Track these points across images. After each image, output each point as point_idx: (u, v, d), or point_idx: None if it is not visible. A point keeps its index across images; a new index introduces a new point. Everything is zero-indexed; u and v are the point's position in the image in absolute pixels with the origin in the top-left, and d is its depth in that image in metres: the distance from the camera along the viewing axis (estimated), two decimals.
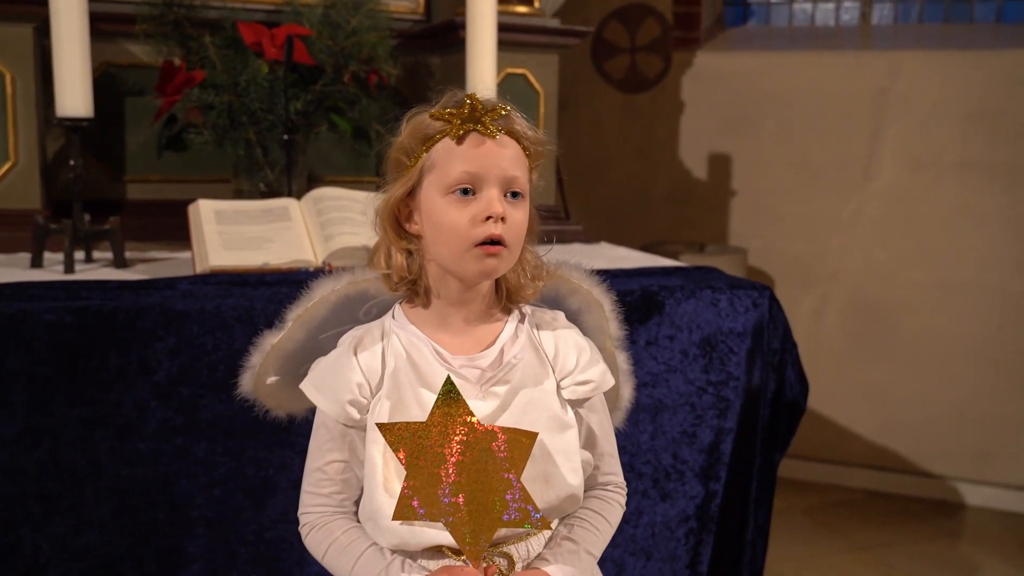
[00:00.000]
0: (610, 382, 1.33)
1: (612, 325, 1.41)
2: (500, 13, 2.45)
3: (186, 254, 2.27)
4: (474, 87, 2.36)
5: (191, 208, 2.12)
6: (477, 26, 2.36)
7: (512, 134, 1.22)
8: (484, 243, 1.18)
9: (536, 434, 1.18)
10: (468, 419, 1.17)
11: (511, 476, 1.16)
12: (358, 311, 1.33)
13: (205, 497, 1.77)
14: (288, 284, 1.88)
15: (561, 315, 1.35)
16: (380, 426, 1.18)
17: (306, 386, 1.28)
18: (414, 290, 1.27)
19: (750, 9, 4.50)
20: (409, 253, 1.25)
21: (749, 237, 4.17)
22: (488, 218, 1.17)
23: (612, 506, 1.35)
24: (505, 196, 1.20)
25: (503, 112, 1.21)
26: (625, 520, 2.09)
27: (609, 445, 1.36)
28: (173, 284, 1.86)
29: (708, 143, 4.22)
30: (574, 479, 1.24)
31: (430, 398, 1.19)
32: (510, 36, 2.69)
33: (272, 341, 1.32)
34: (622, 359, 1.43)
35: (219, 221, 2.06)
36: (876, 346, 4.08)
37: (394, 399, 1.22)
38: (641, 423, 2.07)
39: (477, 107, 1.19)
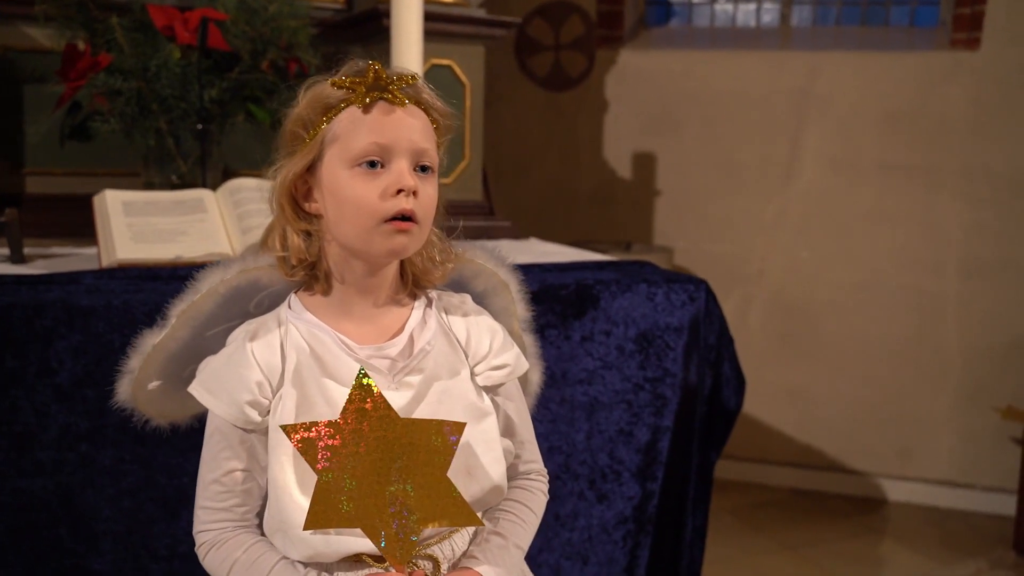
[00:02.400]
0: (525, 366, 1.26)
1: (519, 307, 1.34)
2: (425, 2, 2.35)
3: (91, 250, 2.12)
4: None
5: (96, 199, 1.97)
6: (403, 14, 2.26)
7: (420, 104, 1.13)
8: (394, 219, 1.09)
9: (463, 424, 1.09)
10: (385, 413, 1.07)
11: (436, 469, 1.07)
12: (248, 303, 1.21)
13: (112, 509, 1.63)
14: None
15: (468, 298, 1.27)
16: (286, 428, 1.07)
17: (196, 389, 1.15)
18: (313, 275, 1.17)
19: (672, 9, 4.50)
20: (307, 235, 1.15)
21: (674, 237, 4.15)
22: (399, 192, 1.09)
23: (536, 495, 1.27)
24: (414, 170, 1.11)
25: (410, 81, 1.12)
26: (561, 523, 2.02)
27: (527, 432, 1.28)
28: (77, 279, 1.71)
29: (632, 142, 4.19)
30: (497, 469, 1.16)
31: (338, 391, 1.10)
32: (435, 26, 2.60)
33: (153, 341, 1.19)
34: (530, 341, 1.36)
35: (128, 213, 1.92)
36: (799, 346, 4.10)
37: (298, 396, 1.11)
38: (577, 422, 2.00)
39: (382, 75, 1.10)
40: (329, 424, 1.07)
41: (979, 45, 3.76)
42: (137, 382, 1.22)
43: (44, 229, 2.33)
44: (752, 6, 4.40)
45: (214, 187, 2.21)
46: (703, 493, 2.17)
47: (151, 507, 1.66)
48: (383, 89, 1.10)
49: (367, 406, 1.07)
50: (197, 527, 1.18)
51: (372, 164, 1.09)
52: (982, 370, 3.86)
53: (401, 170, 1.09)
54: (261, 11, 2.43)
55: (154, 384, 1.23)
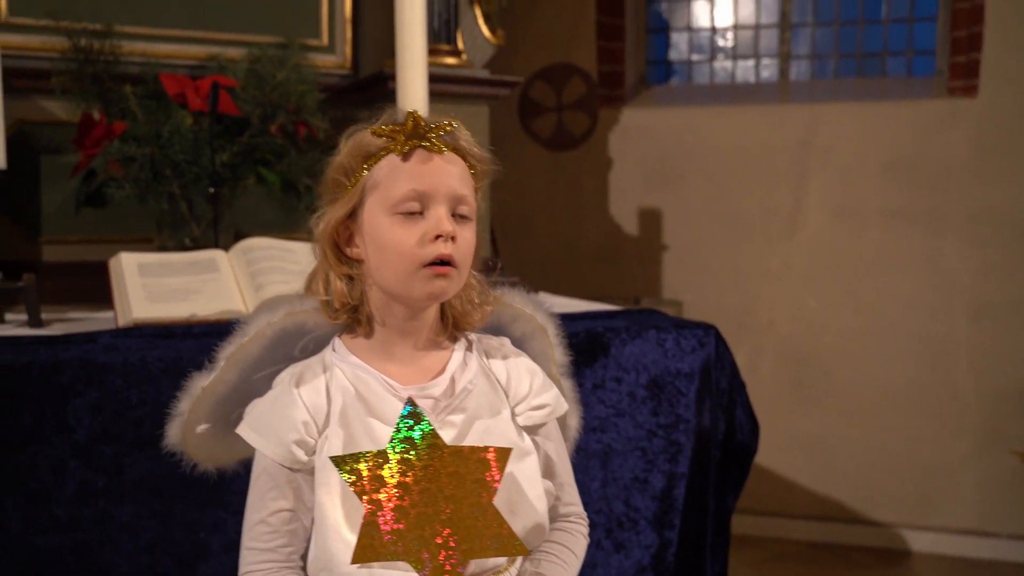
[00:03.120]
0: (564, 406, 1.27)
1: (557, 351, 1.35)
2: (429, 64, 2.42)
3: (107, 314, 2.15)
4: None
5: (112, 261, 2.01)
6: (408, 77, 2.31)
7: (458, 151, 1.16)
8: (433, 263, 1.11)
9: (509, 449, 1.10)
10: (431, 441, 1.09)
11: (482, 499, 1.08)
12: (294, 348, 1.24)
13: (130, 565, 1.63)
14: (217, 335, 1.75)
15: (507, 341, 1.29)
16: (335, 459, 1.09)
17: (244, 430, 1.17)
18: (356, 318, 1.19)
19: (672, 68, 4.58)
20: (350, 279, 1.17)
21: (681, 290, 4.17)
22: (437, 237, 1.11)
23: (576, 538, 1.27)
24: (453, 215, 1.14)
25: (448, 128, 1.16)
26: (579, 574, 2.01)
27: (567, 474, 1.29)
28: (93, 338, 1.74)
29: (636, 198, 4.24)
30: (539, 508, 1.17)
31: (384, 430, 1.12)
32: (440, 87, 2.66)
33: (202, 384, 1.22)
34: (568, 386, 1.36)
35: (142, 274, 1.96)
36: (811, 395, 4.09)
37: (344, 436, 1.13)
38: (591, 470, 2.00)
39: (420, 123, 1.14)
40: (377, 454, 1.09)
41: (977, 92, 3.81)
42: (186, 425, 1.24)
43: (60, 296, 2.36)
44: (750, 63, 4.48)
45: (227, 248, 2.25)
46: (721, 539, 2.15)
47: (168, 562, 1.66)
48: (421, 137, 1.13)
49: (414, 435, 1.08)
50: (243, 568, 1.18)
51: (411, 211, 1.12)
52: (999, 414, 3.84)
53: (439, 216, 1.12)
54: (269, 78, 2.50)
55: (203, 427, 1.24)
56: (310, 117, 2.48)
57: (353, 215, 1.16)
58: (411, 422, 1.09)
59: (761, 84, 4.45)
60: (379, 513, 1.07)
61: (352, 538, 1.08)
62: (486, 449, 1.11)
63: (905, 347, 3.96)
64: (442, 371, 1.20)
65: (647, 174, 4.22)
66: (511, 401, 1.21)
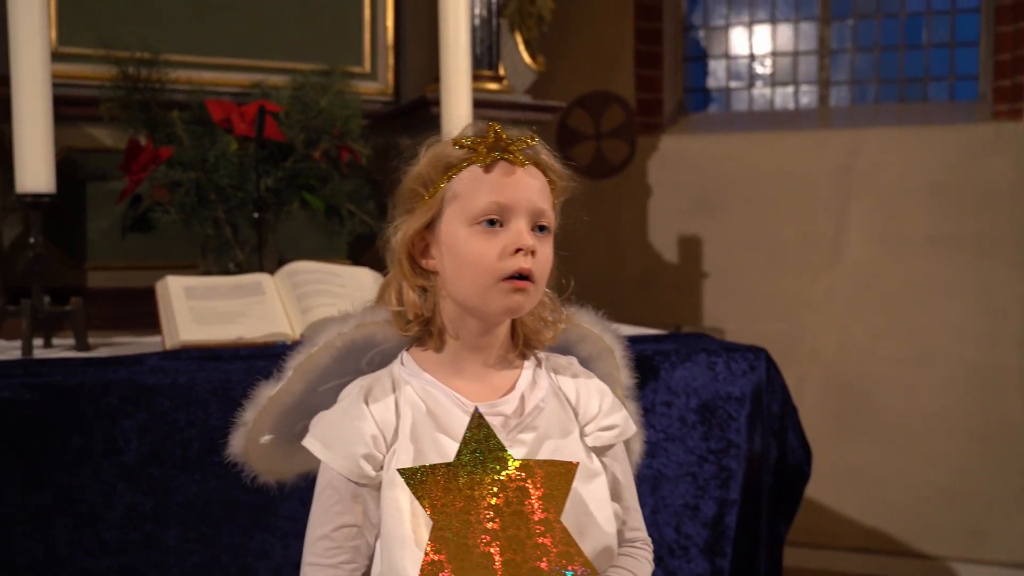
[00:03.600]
0: (632, 428, 1.24)
1: (623, 373, 1.33)
2: (472, 89, 2.42)
3: (153, 338, 2.15)
4: None
5: (159, 285, 2.01)
6: (452, 100, 2.32)
7: (539, 165, 1.15)
8: (512, 277, 1.09)
9: (576, 464, 1.08)
10: (499, 454, 1.06)
11: (550, 515, 1.05)
12: (361, 360, 1.21)
13: None
14: (264, 358, 1.76)
15: (575, 361, 1.26)
16: (403, 472, 1.07)
17: (310, 442, 1.15)
18: (427, 331, 1.17)
19: (710, 95, 4.56)
20: (423, 290, 1.16)
21: (723, 319, 4.12)
22: (517, 251, 1.09)
23: (642, 564, 1.23)
24: (532, 230, 1.12)
25: (530, 142, 1.14)
26: None
27: (633, 498, 1.26)
28: (141, 360, 1.73)
29: (676, 226, 4.21)
30: (608, 531, 1.14)
31: (453, 447, 1.09)
32: (482, 112, 2.65)
33: (269, 394, 1.20)
34: (633, 409, 1.33)
35: (189, 297, 1.95)
36: (857, 425, 4.01)
37: (413, 451, 1.11)
38: (641, 496, 1.92)
39: (502, 136, 1.13)
40: (445, 467, 1.07)
41: (1021, 115, 3.75)
42: (251, 435, 1.22)
43: (105, 322, 2.37)
44: (789, 89, 4.46)
45: (270, 274, 2.24)
46: (774, 569, 2.09)
47: None
48: (504, 149, 1.12)
49: (482, 448, 1.06)
50: None
51: (491, 223, 1.10)
52: None
53: (520, 229, 1.10)
54: (313, 104, 2.51)
55: (266, 438, 1.22)
56: (353, 142, 2.48)
57: (430, 226, 1.14)
58: (480, 435, 1.06)
59: (800, 110, 4.42)
60: (446, 527, 1.05)
61: (419, 554, 1.05)
62: (555, 462, 1.09)
63: (953, 375, 3.88)
64: (512, 388, 1.18)
65: (686, 202, 4.19)
66: (580, 421, 1.19)
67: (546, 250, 1.14)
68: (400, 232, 1.15)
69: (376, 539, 1.13)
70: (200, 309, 1.93)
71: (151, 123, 2.38)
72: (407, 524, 1.07)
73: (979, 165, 3.81)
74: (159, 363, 1.72)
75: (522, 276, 1.10)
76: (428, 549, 1.04)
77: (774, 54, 4.48)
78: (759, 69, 4.52)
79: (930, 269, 3.90)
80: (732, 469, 2.02)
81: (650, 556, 1.25)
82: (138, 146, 2.30)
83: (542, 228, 1.14)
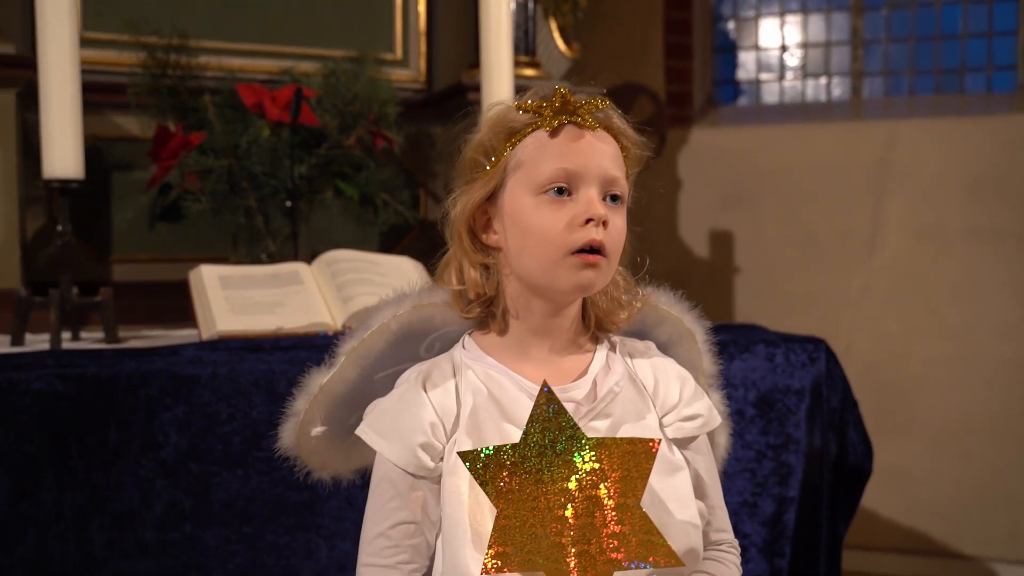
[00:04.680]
0: (717, 419, 1.13)
1: (705, 360, 1.23)
2: None
3: (183, 331, 2.07)
4: None
5: (192, 274, 1.93)
6: (493, 86, 2.23)
7: (611, 130, 1.05)
8: (582, 251, 1.00)
9: (659, 441, 0.98)
10: (572, 432, 0.97)
11: (628, 501, 0.95)
12: (419, 345, 1.13)
13: None
14: (307, 348, 1.68)
15: (653, 346, 1.16)
16: (464, 455, 0.97)
17: (364, 431, 1.06)
18: (490, 313, 1.08)
19: (739, 88, 4.47)
20: (485, 268, 1.06)
21: (755, 315, 4.01)
22: (588, 221, 1.00)
23: (729, 568, 1.13)
24: (603, 199, 1.02)
25: (600, 105, 1.04)
26: None
27: (718, 496, 1.14)
28: (178, 351, 1.65)
29: (708, 220, 4.10)
30: (692, 531, 1.03)
31: (516, 435, 1.00)
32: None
33: (320, 382, 1.11)
34: (718, 399, 1.22)
35: (224, 287, 1.87)
36: (894, 424, 3.90)
37: (475, 440, 1.01)
38: None
39: (569, 99, 1.03)
40: (511, 447, 0.97)
41: None
42: (301, 427, 1.13)
43: (131, 316, 2.28)
44: (821, 81, 4.36)
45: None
46: (834, 570, 2.00)
47: None
48: (571, 113, 1.02)
49: (552, 427, 0.96)
50: None
51: (559, 191, 1.01)
52: None
53: (590, 198, 1.00)
54: (345, 91, 2.42)
55: (318, 430, 1.14)
56: (387, 129, 2.40)
57: (493, 197, 1.05)
58: (549, 412, 0.97)
59: (833, 102, 4.31)
60: (513, 515, 0.95)
61: (482, 548, 0.96)
62: (635, 440, 0.98)
63: (993, 373, 3.77)
64: (584, 373, 1.08)
65: (717, 196, 4.09)
66: (659, 410, 1.09)
67: (619, 222, 1.04)
68: (460, 205, 1.06)
69: (437, 537, 1.04)
70: (236, 299, 1.85)
71: (180, 109, 2.30)
72: (464, 518, 0.98)
73: (1020, 158, 3.70)
74: (197, 354, 1.63)
75: (593, 250, 1.00)
76: (492, 541, 0.94)
77: (805, 45, 4.38)
78: (790, 61, 4.42)
79: (969, 265, 3.79)
80: (791, 465, 1.93)
81: (738, 560, 1.15)
82: (168, 132, 2.22)
83: (614, 198, 1.04)
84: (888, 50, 4.27)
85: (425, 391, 1.05)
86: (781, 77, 4.42)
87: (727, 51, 4.44)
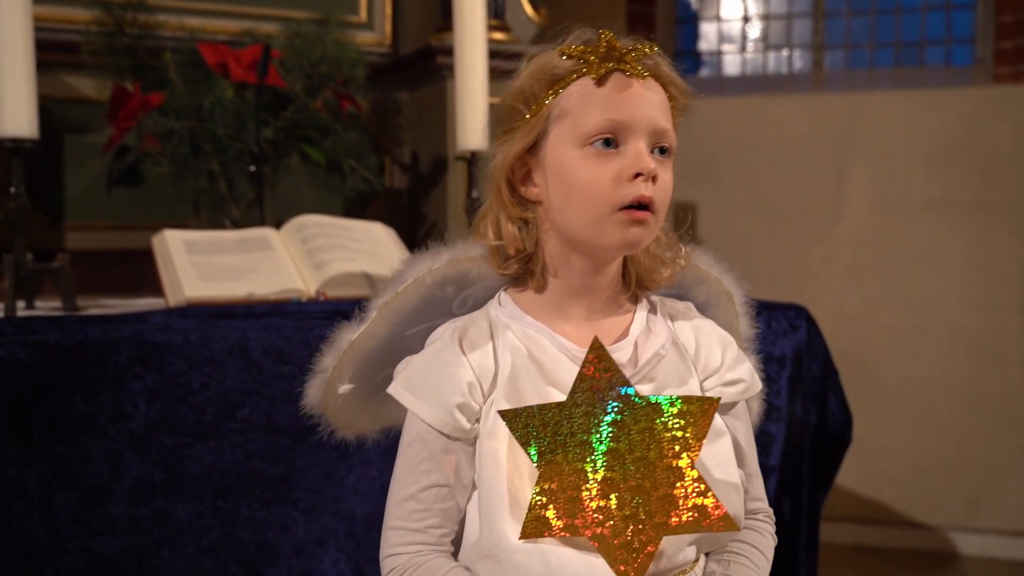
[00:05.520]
0: (759, 384, 1.10)
1: (742, 322, 1.19)
2: None
3: (144, 301, 1.98)
4: (463, 116, 2.15)
5: (156, 240, 1.84)
6: (467, 49, 2.16)
7: (659, 78, 1.00)
8: (630, 207, 0.95)
9: (718, 400, 0.94)
10: (624, 392, 0.92)
11: (681, 463, 0.91)
12: (452, 301, 1.08)
13: (191, 570, 1.47)
14: (280, 315, 1.61)
15: (693, 306, 1.12)
16: (505, 413, 0.93)
17: (397, 390, 1.01)
18: (528, 270, 1.03)
19: (701, 59, 4.44)
20: (524, 223, 1.01)
21: None
22: (637, 176, 0.94)
23: (766, 538, 1.09)
24: (651, 152, 0.97)
25: (649, 51, 0.99)
26: None
27: (755, 464, 1.11)
28: (145, 317, 1.57)
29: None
30: (735, 499, 0.99)
31: (558, 397, 0.95)
32: (491, 63, 2.50)
33: (350, 337, 1.05)
34: (753, 363, 1.16)
35: (190, 252, 1.79)
36: (855, 394, 3.87)
37: (512, 401, 0.97)
38: None
39: (615, 44, 0.97)
40: (556, 407, 0.92)
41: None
42: (329, 384, 1.07)
43: (87, 285, 2.19)
44: (783, 53, 4.35)
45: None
46: (813, 539, 2.00)
47: (233, 567, 1.49)
48: (619, 59, 0.96)
49: (601, 383, 0.91)
50: (386, 550, 1.02)
51: (606, 143, 0.96)
52: None
53: (639, 151, 0.95)
54: (310, 52, 2.34)
55: (345, 388, 1.08)
56: (357, 90, 2.32)
57: (533, 148, 0.99)
58: (599, 369, 0.92)
59: (795, 75, 4.31)
60: (554, 478, 0.90)
61: (521, 514, 0.92)
62: (692, 399, 0.94)
63: (953, 344, 3.81)
64: (624, 334, 1.03)
65: (680, 167, 3.99)
66: (700, 374, 1.04)
67: (667, 176, 0.99)
68: (500, 156, 1.00)
69: (468, 502, 1.00)
70: (204, 264, 1.77)
71: (138, 69, 2.19)
72: (508, 480, 0.94)
73: (982, 130, 3.73)
74: (166, 320, 1.56)
75: (642, 206, 0.95)
76: (533, 504, 0.90)
77: (767, 17, 4.37)
78: (751, 32, 4.40)
79: (930, 236, 3.82)
80: (772, 434, 1.91)
81: (773, 529, 1.12)
82: (125, 92, 2.12)
83: (663, 150, 0.99)
84: (849, 22, 4.28)
85: (462, 349, 1.00)
86: (743, 49, 4.41)
87: (689, 22, 4.41)
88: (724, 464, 0.99)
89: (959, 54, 4.13)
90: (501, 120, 1.02)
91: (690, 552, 0.98)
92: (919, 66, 4.16)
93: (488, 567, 0.96)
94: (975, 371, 3.78)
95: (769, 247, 3.97)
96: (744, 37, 4.41)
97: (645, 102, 0.97)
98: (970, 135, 3.76)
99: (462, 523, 1.01)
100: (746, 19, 4.40)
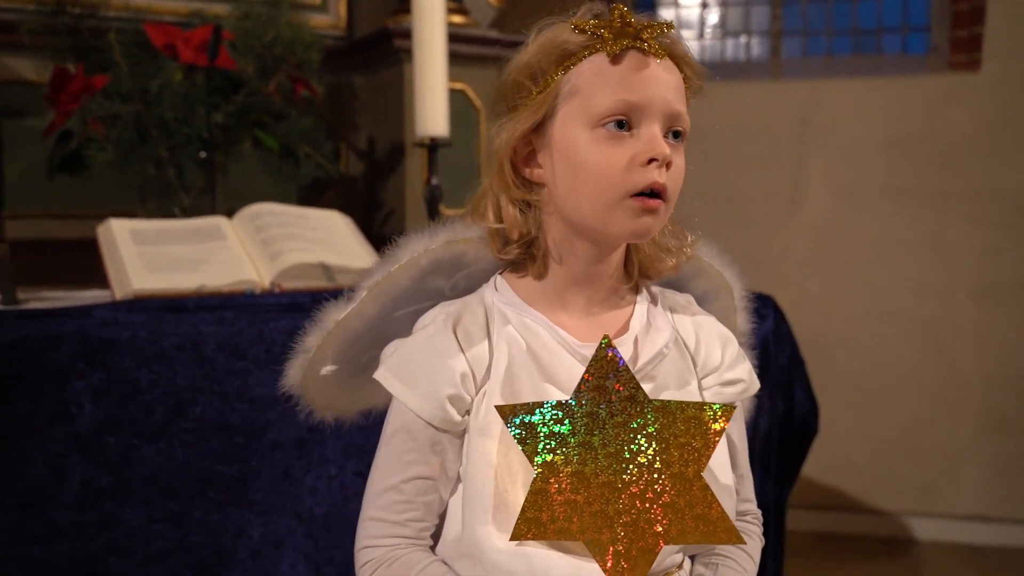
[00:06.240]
0: (757, 384, 1.06)
1: (740, 317, 1.16)
2: None
3: (91, 293, 1.89)
4: (421, 101, 2.09)
5: (101, 229, 1.76)
6: (425, 32, 2.09)
7: (675, 58, 0.95)
8: (641, 194, 0.90)
9: (733, 408, 0.90)
10: (632, 393, 0.87)
11: (689, 471, 0.87)
12: (446, 283, 1.03)
13: None
14: (234, 308, 1.54)
15: (693, 300, 1.08)
16: (501, 409, 0.88)
17: (385, 376, 0.96)
18: (529, 254, 0.97)
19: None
20: (527, 205, 0.96)
21: None
22: (651, 161, 0.89)
23: (754, 540, 1.07)
24: (665, 136, 0.92)
25: (666, 29, 0.93)
26: None
27: (746, 464, 1.08)
28: (90, 312, 1.49)
29: None
30: (728, 502, 0.95)
31: (555, 393, 0.91)
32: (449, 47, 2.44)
33: (336, 317, 0.99)
34: (750, 359, 1.13)
35: (137, 242, 1.71)
36: (813, 381, 3.93)
37: (508, 394, 0.92)
38: None
39: (630, 20, 0.92)
40: (558, 406, 0.87)
41: (980, 67, 3.69)
42: (311, 364, 1.02)
43: (27, 276, 2.09)
44: (741, 40, 4.33)
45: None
46: (779, 532, 1.97)
47: (186, 573, 1.42)
48: (635, 36, 0.91)
49: (608, 384, 0.86)
50: (363, 541, 0.97)
51: (619, 125, 0.90)
52: (1004, 398, 3.73)
53: (654, 135, 0.91)
54: (263, 33, 2.26)
55: (328, 369, 1.03)
56: (312, 73, 2.24)
57: (540, 128, 0.94)
58: (607, 368, 0.87)
59: (753, 62, 4.30)
60: (551, 479, 0.85)
61: (510, 519, 0.87)
62: (703, 405, 0.90)
63: (909, 330, 3.84)
64: (624, 328, 0.99)
65: None
66: (699, 372, 1.00)
67: (680, 162, 0.95)
68: (504, 134, 0.95)
69: (451, 495, 0.95)
70: (152, 255, 1.69)
71: (81, 50, 2.09)
72: (497, 481, 0.89)
73: (939, 118, 3.74)
74: (112, 315, 1.47)
75: (654, 193, 0.90)
76: (527, 504, 0.85)
77: (725, 3, 4.35)
78: (710, 19, 4.38)
79: (887, 224, 3.84)
80: None
81: (760, 531, 1.09)
82: (67, 74, 2.01)
83: (676, 135, 0.94)
84: (807, 9, 4.27)
85: (456, 337, 0.95)
86: (701, 35, 4.38)
87: (648, 7, 4.37)
88: (720, 465, 0.96)
89: (915, 42, 4.15)
90: (505, 96, 0.97)
91: (677, 555, 0.94)
92: (876, 54, 4.17)
93: (468, 566, 0.92)
94: (931, 358, 3.81)
95: (729, 234, 3.91)
96: (702, 23, 4.39)
97: (661, 83, 0.92)
98: (927, 123, 3.77)
99: (442, 516, 0.97)
100: (704, 5, 4.37)
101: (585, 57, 0.92)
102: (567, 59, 0.92)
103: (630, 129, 0.91)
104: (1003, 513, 3.75)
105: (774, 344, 1.91)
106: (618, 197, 0.90)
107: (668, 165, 0.91)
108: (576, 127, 0.92)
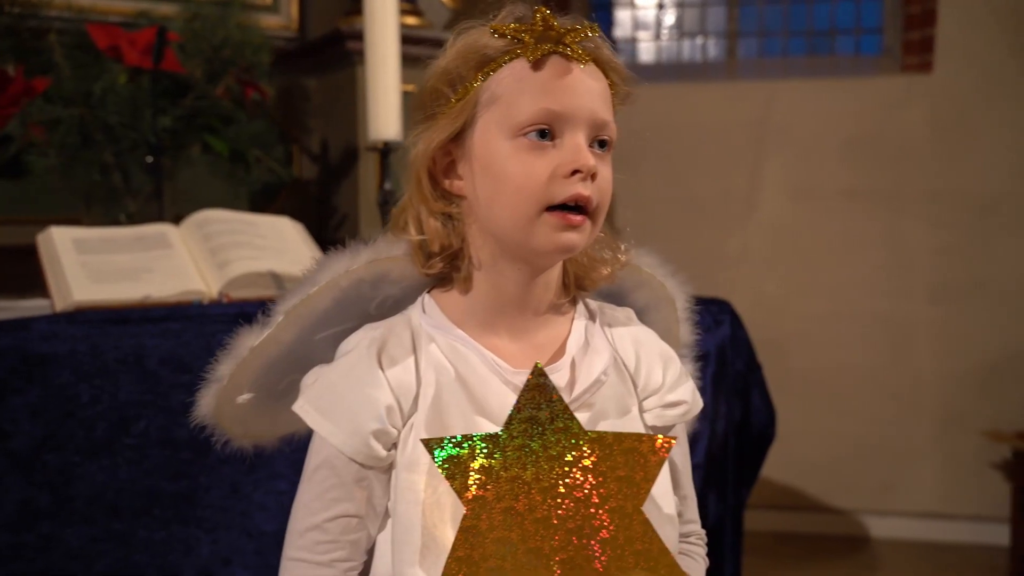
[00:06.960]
0: (700, 404, 1.01)
1: (682, 329, 1.11)
2: None
3: (32, 303, 1.83)
4: (374, 104, 2.06)
5: (41, 238, 1.70)
6: (377, 33, 2.06)
7: (600, 63, 0.91)
8: (565, 207, 0.86)
9: (673, 441, 0.86)
10: (565, 424, 0.84)
11: (627, 505, 0.83)
12: (370, 303, 0.97)
13: None
14: (180, 320, 1.49)
15: (634, 315, 1.03)
16: (427, 442, 0.83)
17: (304, 409, 0.90)
18: (454, 267, 0.93)
19: (616, 46, 4.40)
20: (448, 218, 0.91)
21: None
22: (574, 172, 0.86)
23: (698, 563, 1.03)
24: (591, 145, 0.89)
25: (590, 33, 0.89)
26: None
27: (690, 486, 1.03)
28: (28, 325, 1.44)
29: None
30: (670, 532, 0.91)
31: (485, 425, 0.87)
32: (403, 48, 2.40)
33: (251, 344, 0.93)
34: (689, 370, 1.08)
35: (80, 251, 1.66)
36: (770, 381, 3.94)
37: (436, 426, 0.87)
38: None
39: (552, 23, 0.88)
40: (487, 438, 0.83)
41: (932, 68, 3.73)
42: (225, 393, 0.96)
43: None
44: (698, 41, 4.34)
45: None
46: (737, 537, 1.97)
47: None
48: (558, 41, 0.87)
49: (541, 415, 0.83)
50: None
51: (542, 135, 0.86)
52: (959, 396, 3.77)
53: (577, 145, 0.87)
54: (211, 35, 2.21)
55: (244, 397, 0.97)
56: (261, 76, 2.19)
57: (458, 137, 0.90)
58: (538, 398, 0.84)
59: (709, 63, 4.31)
60: (482, 515, 0.81)
61: (439, 557, 0.83)
62: (642, 436, 0.86)
63: (864, 330, 3.87)
64: (561, 351, 0.94)
65: None
66: (640, 393, 0.96)
67: (606, 172, 0.90)
68: (421, 144, 0.90)
69: (380, 531, 0.90)
70: (95, 264, 1.64)
71: (20, 51, 2.03)
72: (425, 518, 0.85)
73: (892, 119, 3.78)
74: (51, 328, 1.42)
75: (578, 207, 0.86)
76: (457, 543, 0.81)
77: (682, 4, 4.35)
78: (666, 19, 4.38)
79: (843, 224, 3.86)
80: (697, 432, 1.86)
81: (704, 551, 1.05)
82: (6, 77, 1.95)
83: (602, 144, 0.90)
84: (762, 10, 4.29)
85: (380, 365, 0.89)
86: (657, 36, 4.39)
87: (604, 8, 4.37)
88: (661, 492, 0.91)
89: (868, 43, 4.18)
90: (423, 104, 0.92)
91: None
92: (831, 55, 4.20)
93: None
94: (887, 357, 3.85)
95: (686, 235, 3.96)
96: (659, 24, 4.39)
97: (586, 90, 0.88)
98: (881, 124, 3.81)
99: (371, 553, 0.92)
100: (661, 6, 4.38)
101: (505, 63, 0.87)
102: (486, 65, 0.88)
103: (553, 139, 0.87)
104: (959, 510, 3.80)
105: (731, 350, 1.90)
106: (538, 210, 0.86)
107: (593, 176, 0.87)
108: (496, 137, 0.87)
